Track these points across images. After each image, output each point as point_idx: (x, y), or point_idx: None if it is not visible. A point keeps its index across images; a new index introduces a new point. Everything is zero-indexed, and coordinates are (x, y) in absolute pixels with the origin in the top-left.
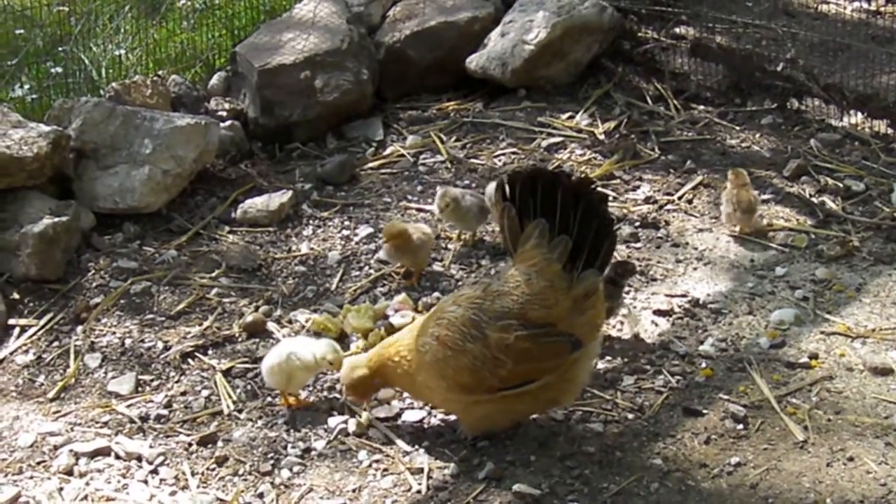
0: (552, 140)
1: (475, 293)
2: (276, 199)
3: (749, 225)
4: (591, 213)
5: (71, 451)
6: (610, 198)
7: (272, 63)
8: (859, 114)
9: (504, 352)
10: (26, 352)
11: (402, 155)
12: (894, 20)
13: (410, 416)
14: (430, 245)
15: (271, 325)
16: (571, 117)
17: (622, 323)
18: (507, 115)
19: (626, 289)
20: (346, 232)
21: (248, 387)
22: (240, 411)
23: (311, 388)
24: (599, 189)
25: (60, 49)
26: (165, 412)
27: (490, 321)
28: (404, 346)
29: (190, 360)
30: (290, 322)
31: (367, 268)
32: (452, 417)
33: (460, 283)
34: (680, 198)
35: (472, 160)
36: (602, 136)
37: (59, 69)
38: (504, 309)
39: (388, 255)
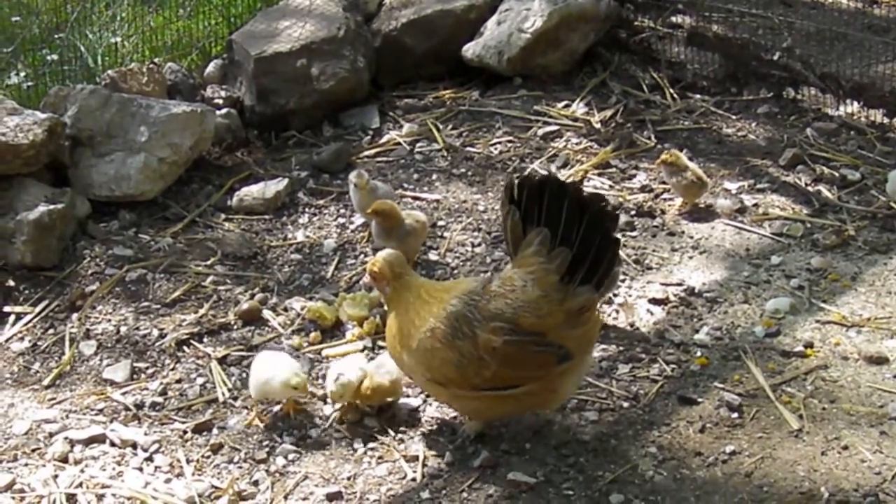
0: (548, 129)
1: (475, 288)
2: (272, 187)
3: (700, 197)
4: (594, 229)
5: (66, 438)
6: (619, 218)
7: (268, 51)
8: (855, 103)
9: (490, 354)
10: (21, 339)
11: (399, 143)
12: (891, 9)
13: (405, 405)
14: (422, 233)
15: (267, 313)
16: (567, 106)
17: (618, 312)
18: (503, 104)
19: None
20: (341, 220)
21: (244, 374)
22: (235, 399)
23: (307, 377)
24: (609, 207)
25: (56, 36)
26: (160, 400)
27: (482, 321)
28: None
29: (185, 348)
30: (285, 310)
31: (362, 256)
32: (447, 407)
33: (455, 271)
34: None
35: (469, 148)
36: (598, 125)
37: (55, 57)
38: (497, 311)
39: (375, 235)
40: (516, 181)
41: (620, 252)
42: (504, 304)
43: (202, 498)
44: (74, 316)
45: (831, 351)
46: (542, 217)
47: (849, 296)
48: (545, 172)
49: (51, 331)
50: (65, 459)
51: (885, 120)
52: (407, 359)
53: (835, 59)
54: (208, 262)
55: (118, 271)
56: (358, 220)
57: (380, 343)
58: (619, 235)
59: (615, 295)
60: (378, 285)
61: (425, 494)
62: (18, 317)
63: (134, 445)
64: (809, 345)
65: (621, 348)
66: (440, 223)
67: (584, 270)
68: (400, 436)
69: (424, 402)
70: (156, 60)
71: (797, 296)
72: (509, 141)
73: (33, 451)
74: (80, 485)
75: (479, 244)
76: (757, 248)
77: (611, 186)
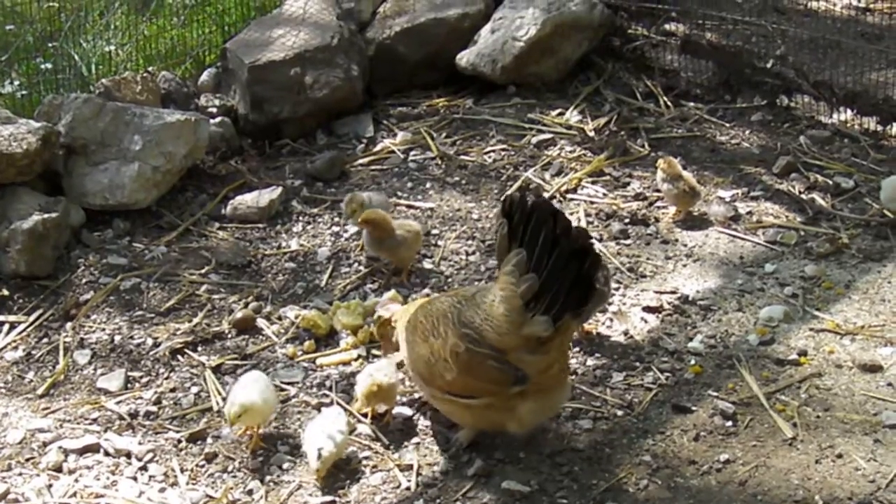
0: (542, 137)
1: (466, 292)
2: (265, 196)
3: (693, 206)
4: (564, 265)
5: (60, 447)
6: (600, 260)
7: (262, 59)
8: (849, 111)
9: (453, 358)
10: (16, 348)
11: (392, 151)
12: (883, 17)
13: (400, 414)
14: (414, 242)
15: (261, 322)
16: (561, 114)
17: (612, 320)
18: (497, 112)
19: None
20: (335, 228)
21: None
22: None
23: (300, 385)
24: (591, 247)
25: (50, 45)
26: (155, 409)
27: (455, 325)
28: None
29: (179, 357)
30: (279, 319)
31: (356, 264)
32: (441, 417)
33: (450, 279)
34: None
35: (463, 157)
36: (592, 133)
37: (49, 65)
38: (469, 319)
39: (366, 245)
40: (516, 197)
41: (590, 292)
42: (475, 314)
43: None
44: (68, 325)
45: (825, 359)
46: (524, 238)
47: (843, 304)
48: (544, 195)
49: (45, 340)
50: (59, 469)
51: (879, 127)
52: (403, 350)
53: (828, 67)
54: (202, 271)
55: (112, 280)
56: (352, 228)
57: (374, 351)
58: (593, 279)
59: (609, 303)
60: (385, 340)
61: (419, 503)
62: (12, 326)
63: (128, 455)
64: (803, 353)
65: (615, 356)
66: (434, 231)
67: (546, 302)
68: (394, 445)
69: (418, 410)
70: (150, 69)
71: (791, 304)
72: (503, 149)
73: (27, 460)
74: (75, 494)
75: (474, 252)
76: (751, 256)
77: (605, 194)
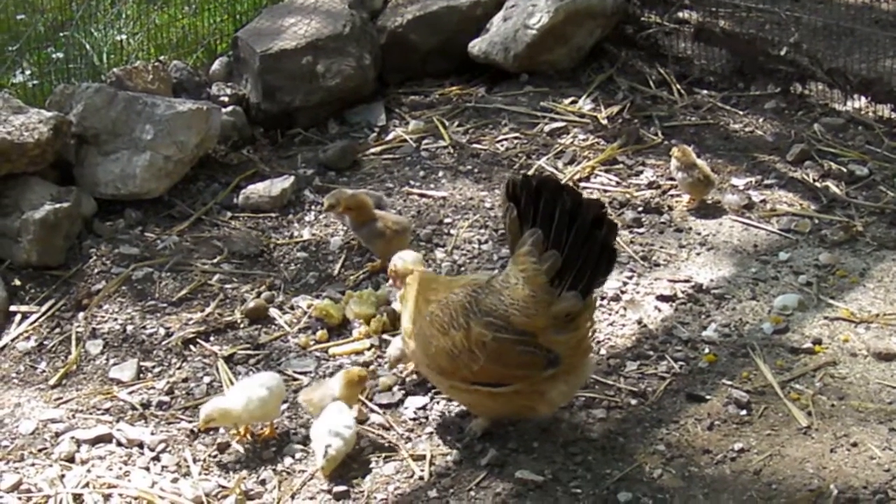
0: (555, 125)
1: (480, 280)
2: (277, 185)
3: (707, 195)
4: (584, 236)
5: (72, 438)
6: (617, 227)
7: (274, 48)
8: (863, 98)
9: (480, 348)
10: (28, 338)
11: (405, 140)
12: None
13: (413, 403)
14: (395, 240)
15: (273, 312)
16: (574, 102)
17: (625, 308)
18: (509, 100)
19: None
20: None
21: (250, 373)
22: None
23: (313, 375)
24: (606, 216)
25: (62, 34)
26: (167, 399)
27: (477, 314)
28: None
29: (192, 347)
30: (291, 308)
31: (368, 253)
32: (454, 405)
33: (462, 268)
34: None
35: (475, 145)
36: (605, 121)
37: (61, 55)
38: (492, 307)
39: (349, 226)
40: (518, 178)
41: (613, 260)
42: (498, 301)
43: (209, 497)
44: (80, 315)
45: (840, 347)
46: (537, 217)
47: (857, 292)
48: (548, 172)
49: (57, 330)
50: (71, 459)
51: (893, 115)
52: (412, 345)
53: (842, 54)
54: (214, 261)
55: (124, 270)
56: None
57: (386, 340)
58: (614, 245)
59: (622, 292)
60: (394, 283)
61: (433, 493)
62: (24, 316)
63: (140, 445)
64: (818, 341)
65: (629, 345)
66: (447, 220)
67: (571, 276)
68: (407, 434)
69: (431, 400)
70: (161, 58)
71: (805, 292)
72: (516, 137)
73: (40, 450)
74: (87, 485)
75: (486, 241)
76: (765, 245)
77: (618, 183)
